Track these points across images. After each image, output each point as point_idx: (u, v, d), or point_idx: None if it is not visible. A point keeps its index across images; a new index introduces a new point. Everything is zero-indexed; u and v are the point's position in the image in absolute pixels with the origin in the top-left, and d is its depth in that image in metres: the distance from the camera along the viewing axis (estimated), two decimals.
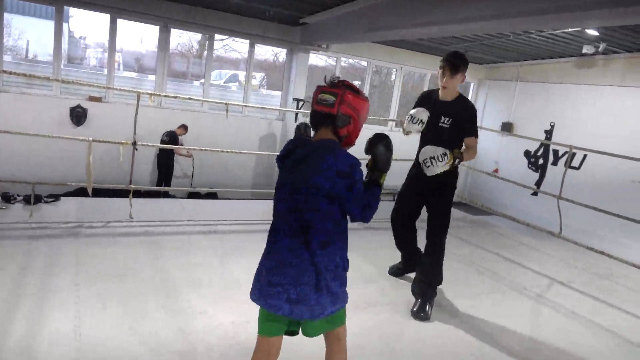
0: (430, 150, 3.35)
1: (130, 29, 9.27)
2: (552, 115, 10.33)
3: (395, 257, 4.28)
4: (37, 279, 3.48)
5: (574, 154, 7.83)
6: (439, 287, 3.86)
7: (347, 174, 1.99)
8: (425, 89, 11.75)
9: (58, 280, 3.48)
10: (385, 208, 3.47)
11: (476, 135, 3.57)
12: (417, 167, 3.65)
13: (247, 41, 9.79)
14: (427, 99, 3.69)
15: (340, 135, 2.09)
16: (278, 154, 2.21)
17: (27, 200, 4.98)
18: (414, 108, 3.66)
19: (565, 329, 3.80)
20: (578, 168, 9.25)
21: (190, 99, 8.09)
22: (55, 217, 4.85)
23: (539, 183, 10.38)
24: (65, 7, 8.30)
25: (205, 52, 9.86)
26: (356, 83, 12.66)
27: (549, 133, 10.33)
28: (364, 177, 2.12)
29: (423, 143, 3.58)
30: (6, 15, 8.27)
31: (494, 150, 11.24)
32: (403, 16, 6.64)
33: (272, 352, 2.20)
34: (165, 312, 3.26)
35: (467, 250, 5.47)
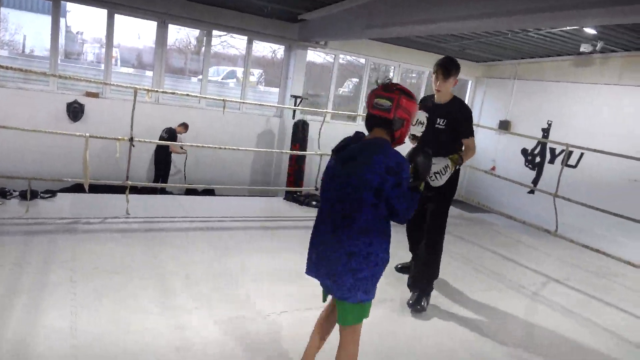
0: (434, 166, 3.40)
1: (128, 24, 9.20)
2: (550, 114, 10.34)
3: (393, 255, 4.27)
4: (33, 275, 3.47)
5: (570, 153, 7.87)
6: (436, 283, 3.89)
7: (396, 172, 2.12)
8: (424, 86, 11.78)
9: (54, 277, 3.48)
10: None
11: (472, 135, 3.65)
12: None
13: (245, 37, 9.77)
14: (425, 103, 3.80)
15: (394, 136, 2.26)
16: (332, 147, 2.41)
17: (23, 195, 4.97)
18: None
19: (561, 327, 3.81)
20: (575, 166, 9.27)
21: (187, 95, 8.06)
22: (51, 213, 4.84)
23: (535, 181, 10.40)
24: (63, 2, 8.25)
25: (203, 48, 9.84)
26: (354, 80, 12.66)
27: (546, 131, 10.35)
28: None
29: (422, 144, 3.62)
30: (3, 10, 8.23)
31: (491, 148, 11.26)
32: (401, 13, 6.64)
33: (329, 307, 2.54)
34: (161, 308, 3.26)
35: (464, 247, 5.49)
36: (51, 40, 8.20)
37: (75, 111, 8.31)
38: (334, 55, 10.69)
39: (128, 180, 5.19)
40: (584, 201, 5.65)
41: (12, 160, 7.64)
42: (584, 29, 7.58)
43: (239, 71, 11.76)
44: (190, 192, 8.66)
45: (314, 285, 3.95)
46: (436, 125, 3.61)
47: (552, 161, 10.25)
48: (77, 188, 6.03)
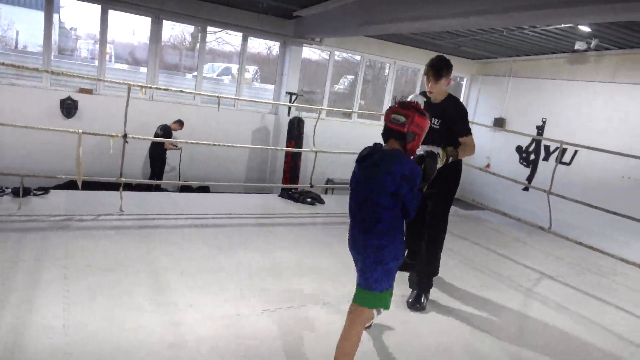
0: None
1: (122, 20, 9.12)
2: (544, 111, 10.38)
3: None
4: (26, 273, 3.45)
5: (564, 150, 7.90)
6: (434, 279, 3.91)
7: (410, 179, 2.48)
8: (419, 83, 11.78)
9: (47, 274, 3.46)
10: None
11: (469, 133, 3.61)
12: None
13: (240, 34, 9.73)
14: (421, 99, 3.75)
15: (406, 148, 2.59)
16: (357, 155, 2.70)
17: (15, 192, 4.93)
18: None
19: (556, 324, 3.83)
20: (569, 164, 9.31)
21: (182, 91, 8.04)
22: (44, 210, 4.81)
23: (530, 178, 10.44)
24: None
25: (198, 45, 9.78)
26: (349, 77, 12.65)
27: (540, 129, 10.38)
28: None
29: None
30: None
31: (486, 146, 11.28)
32: (396, 10, 6.64)
33: None
34: (155, 305, 3.24)
35: (459, 245, 5.50)
36: (44, 36, 8.14)
37: (68, 108, 8.26)
38: (329, 52, 10.67)
39: (122, 177, 5.16)
40: (578, 198, 5.68)
41: (4, 157, 7.58)
42: (579, 26, 7.60)
43: (234, 68, 11.70)
44: (185, 189, 8.64)
45: (309, 282, 3.97)
46: (431, 125, 3.57)
47: (546, 158, 10.29)
48: (71, 185, 5.98)
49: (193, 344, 2.88)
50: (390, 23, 6.93)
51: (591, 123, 9.25)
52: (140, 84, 6.38)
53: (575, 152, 9.18)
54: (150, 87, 7.48)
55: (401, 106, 2.59)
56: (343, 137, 9.89)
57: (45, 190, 5.30)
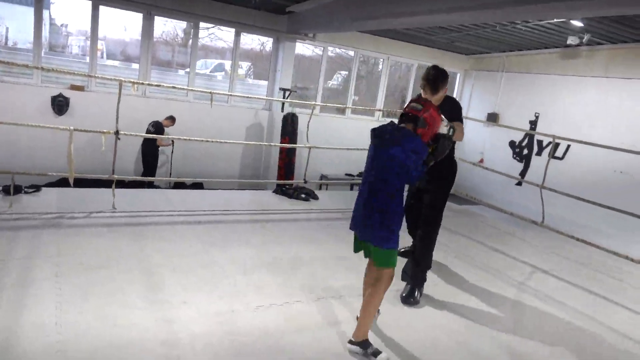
0: None
1: (114, 16, 9.03)
2: (537, 106, 10.41)
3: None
4: (18, 271, 3.42)
5: (557, 144, 7.93)
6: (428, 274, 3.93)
7: (417, 152, 2.84)
8: (412, 79, 11.76)
9: (39, 272, 3.43)
10: None
11: (461, 121, 3.69)
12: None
13: (233, 30, 9.67)
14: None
15: (417, 131, 2.89)
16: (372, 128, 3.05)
17: (6, 190, 4.88)
18: None
19: (550, 317, 3.86)
20: (562, 158, 9.35)
21: (174, 87, 7.96)
22: (36, 207, 4.77)
23: (523, 173, 10.48)
24: None
25: (191, 41, 9.72)
26: (343, 73, 12.62)
27: (533, 123, 10.42)
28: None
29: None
30: None
31: (480, 141, 11.32)
32: (388, 6, 6.62)
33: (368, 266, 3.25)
34: (148, 303, 3.23)
35: (453, 239, 5.52)
36: (34, 33, 8.05)
37: (60, 105, 8.18)
38: (322, 48, 10.63)
39: (114, 174, 5.13)
40: (570, 192, 5.70)
41: None
42: (571, 21, 7.62)
43: (227, 64, 11.64)
44: (178, 185, 8.59)
45: (303, 278, 3.97)
46: None
47: (539, 153, 10.33)
48: (62, 183, 5.93)
49: (187, 340, 2.87)
50: (383, 18, 6.92)
51: (584, 118, 9.29)
52: (132, 80, 6.33)
53: (568, 146, 9.22)
54: (142, 84, 7.42)
55: (421, 99, 3.02)
56: (337, 133, 9.89)
57: (36, 188, 5.26)
